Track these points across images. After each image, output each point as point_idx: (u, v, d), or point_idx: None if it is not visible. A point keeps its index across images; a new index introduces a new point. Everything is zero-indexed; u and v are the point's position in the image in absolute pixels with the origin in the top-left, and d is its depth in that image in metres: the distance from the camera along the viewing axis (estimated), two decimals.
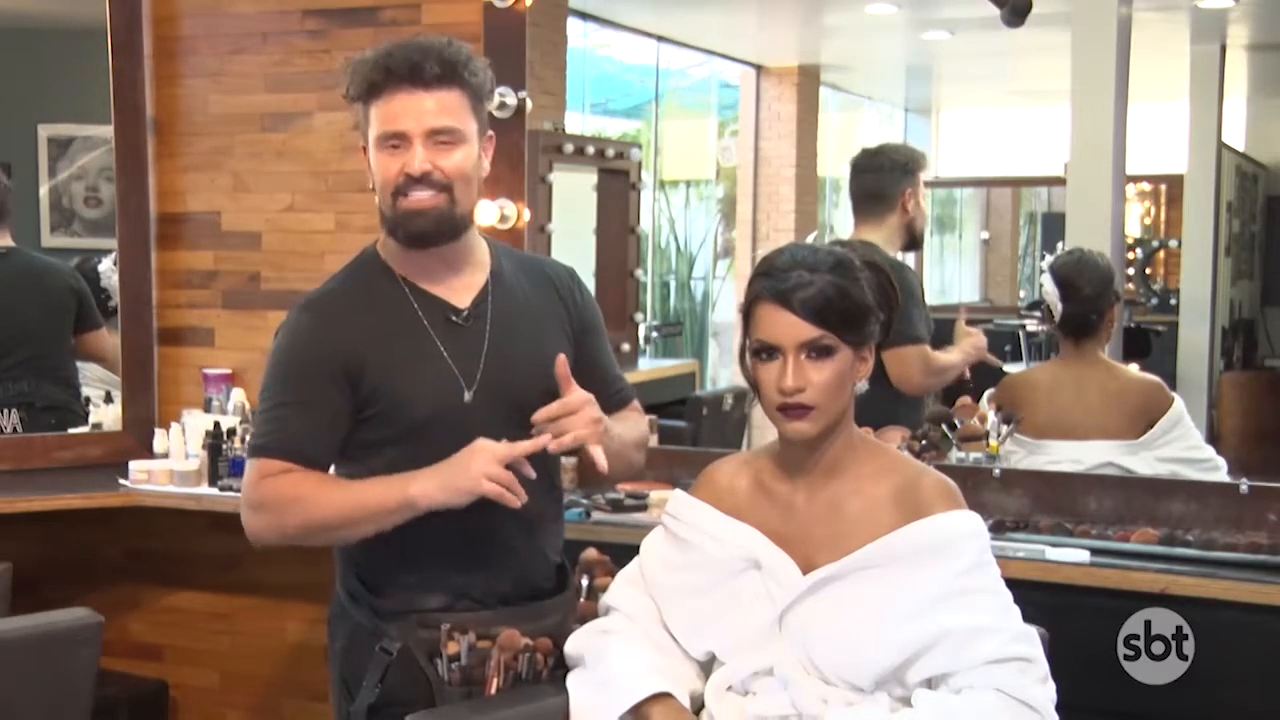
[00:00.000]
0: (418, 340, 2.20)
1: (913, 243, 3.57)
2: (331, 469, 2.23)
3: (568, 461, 3.34)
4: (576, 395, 2.13)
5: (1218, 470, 3.20)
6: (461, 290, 2.25)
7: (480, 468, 2.04)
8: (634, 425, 2.38)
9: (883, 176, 3.52)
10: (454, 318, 2.23)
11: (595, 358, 2.36)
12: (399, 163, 2.14)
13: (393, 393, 2.17)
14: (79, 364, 4.03)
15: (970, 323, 3.58)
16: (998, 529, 2.90)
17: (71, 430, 3.86)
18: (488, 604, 2.21)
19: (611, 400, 2.34)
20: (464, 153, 2.17)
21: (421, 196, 2.14)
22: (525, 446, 2.07)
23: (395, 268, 2.24)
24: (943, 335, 3.62)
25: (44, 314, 4.03)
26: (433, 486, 2.07)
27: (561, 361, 2.15)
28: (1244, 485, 2.93)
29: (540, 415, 2.11)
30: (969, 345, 3.51)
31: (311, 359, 2.18)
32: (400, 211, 2.16)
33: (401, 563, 2.19)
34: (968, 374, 3.53)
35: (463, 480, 2.05)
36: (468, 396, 2.19)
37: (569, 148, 3.72)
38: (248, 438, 3.20)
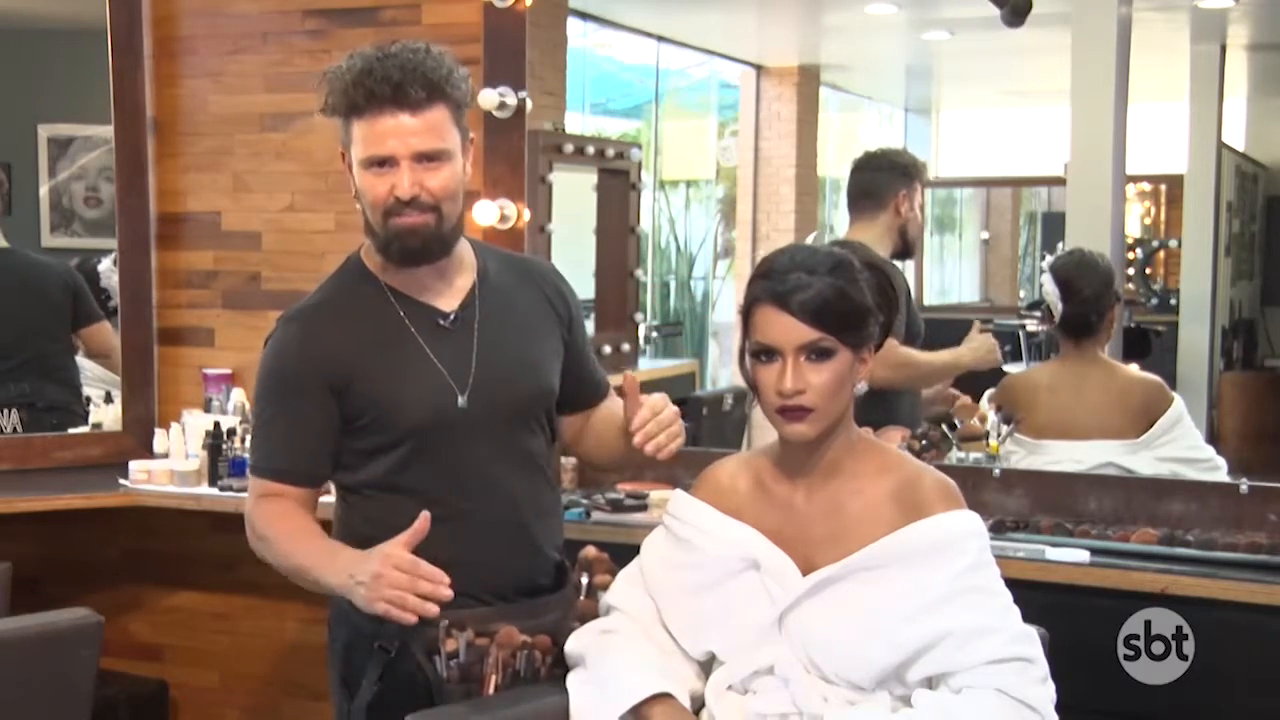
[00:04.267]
0: (405, 348, 2.20)
1: (905, 249, 3.55)
2: (332, 472, 2.24)
3: (567, 461, 3.35)
4: (658, 403, 2.13)
5: (1218, 470, 3.20)
6: (448, 294, 2.25)
7: (377, 593, 1.98)
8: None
9: (879, 176, 3.54)
10: (442, 322, 2.23)
11: (582, 351, 2.39)
12: (386, 184, 2.13)
13: (382, 402, 2.17)
14: (81, 363, 4.04)
15: (970, 323, 3.56)
16: (998, 529, 2.90)
17: (72, 430, 3.86)
18: (486, 600, 2.21)
19: (597, 392, 2.39)
20: (449, 170, 2.16)
21: (412, 218, 2.14)
22: (426, 570, 1.99)
23: (380, 275, 2.24)
24: (940, 334, 3.61)
25: (41, 314, 4.03)
26: (352, 591, 2.04)
27: (630, 379, 2.15)
28: (1244, 485, 2.94)
29: (635, 426, 2.11)
30: (975, 344, 3.49)
31: (297, 373, 2.19)
32: (391, 231, 2.15)
33: None
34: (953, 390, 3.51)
35: (361, 600, 2.02)
36: (461, 401, 2.19)
37: (569, 148, 3.70)
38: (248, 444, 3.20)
